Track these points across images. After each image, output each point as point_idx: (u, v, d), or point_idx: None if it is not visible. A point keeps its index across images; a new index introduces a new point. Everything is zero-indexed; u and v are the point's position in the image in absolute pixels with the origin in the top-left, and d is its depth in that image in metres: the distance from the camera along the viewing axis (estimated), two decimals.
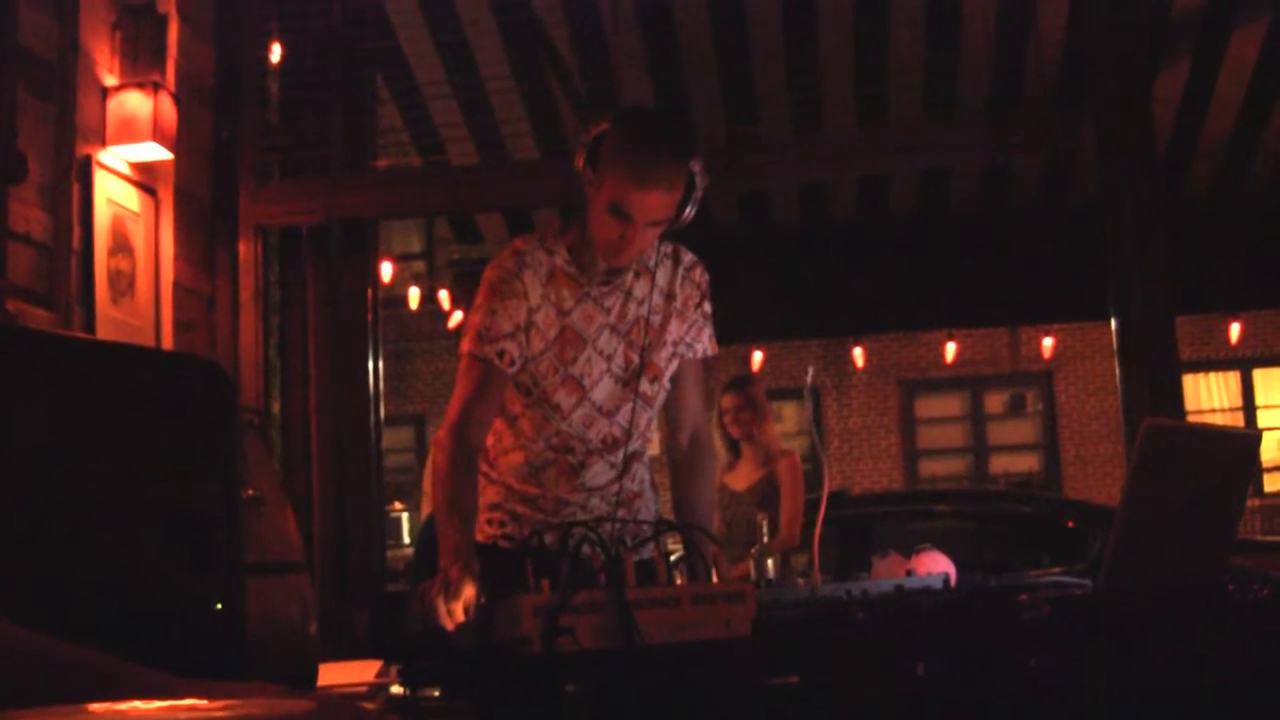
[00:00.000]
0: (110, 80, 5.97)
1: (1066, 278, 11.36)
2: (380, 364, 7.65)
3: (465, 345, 3.11)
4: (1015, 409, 17.42)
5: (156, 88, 5.99)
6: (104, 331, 5.70)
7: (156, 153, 6.06)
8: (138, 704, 1.30)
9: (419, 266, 16.66)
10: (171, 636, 2.20)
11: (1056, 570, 6.57)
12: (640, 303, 3.20)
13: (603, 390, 3.18)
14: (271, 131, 7.51)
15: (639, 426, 3.23)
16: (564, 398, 3.15)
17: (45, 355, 2.35)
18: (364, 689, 2.33)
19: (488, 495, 3.25)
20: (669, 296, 3.24)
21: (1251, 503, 12.96)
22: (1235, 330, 14.33)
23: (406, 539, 14.97)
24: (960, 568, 3.62)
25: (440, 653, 2.34)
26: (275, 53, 7.41)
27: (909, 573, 3.47)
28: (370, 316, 7.60)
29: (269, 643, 3.53)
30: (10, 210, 5.19)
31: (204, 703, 1.32)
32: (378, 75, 8.69)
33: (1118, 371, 7.08)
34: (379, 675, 2.78)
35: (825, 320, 13.39)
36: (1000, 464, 17.05)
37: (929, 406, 17.34)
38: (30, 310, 5.29)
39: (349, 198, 7.34)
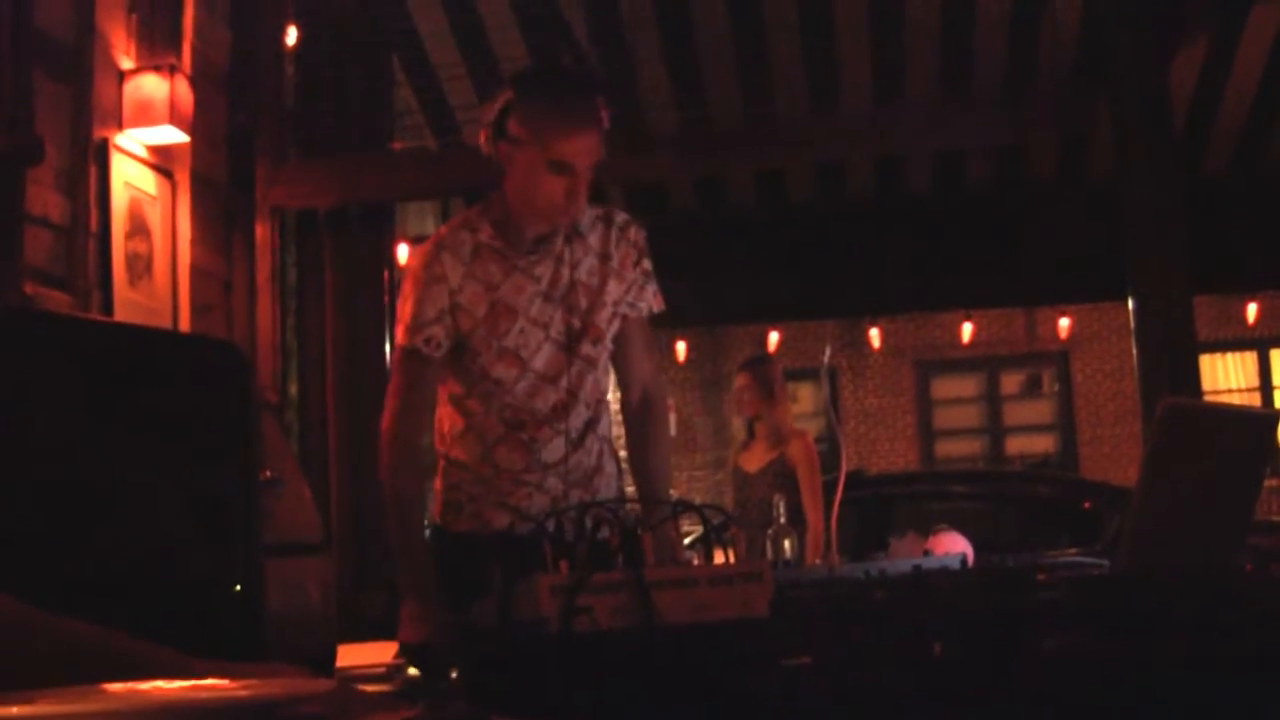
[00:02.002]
0: (126, 63, 5.98)
1: (1083, 258, 11.34)
2: None
3: (398, 337, 3.16)
4: (1032, 389, 17.39)
5: (173, 71, 6.00)
6: (122, 314, 5.72)
7: (173, 136, 6.07)
8: (159, 684, 1.31)
9: None
10: (191, 618, 2.20)
11: (1073, 551, 6.57)
12: (574, 266, 3.20)
13: (543, 358, 3.18)
14: (288, 114, 7.51)
15: (584, 388, 3.23)
16: (503, 371, 3.16)
17: (63, 337, 2.36)
18: (381, 670, 2.34)
19: (448, 478, 3.28)
20: (604, 257, 3.24)
21: (1269, 483, 12.93)
22: (1252, 310, 14.28)
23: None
24: (977, 548, 3.62)
25: (457, 634, 2.35)
26: (291, 35, 7.41)
27: (926, 553, 3.47)
28: (386, 298, 7.62)
29: (288, 624, 3.55)
30: (28, 193, 5.20)
31: (224, 683, 1.33)
32: (394, 57, 8.69)
33: (1135, 352, 7.08)
34: (397, 656, 2.80)
35: (841, 300, 13.39)
36: (1017, 445, 17.03)
37: (945, 387, 17.32)
38: (48, 293, 5.31)
39: (365, 180, 7.36)
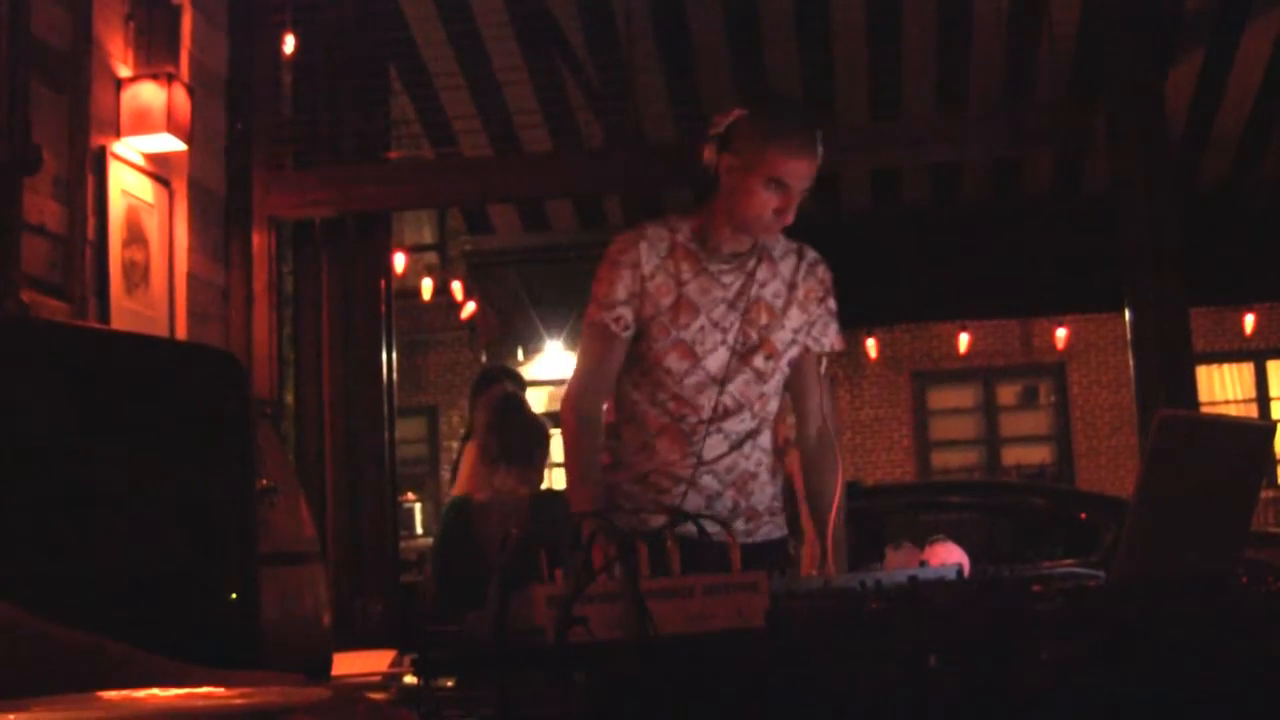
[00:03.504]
0: (124, 71, 5.98)
1: (1079, 269, 11.34)
2: (393, 355, 7.66)
3: (589, 314, 3.37)
4: (1028, 400, 17.41)
5: (170, 79, 6.00)
6: (118, 322, 5.71)
7: (170, 144, 6.06)
8: (154, 692, 1.31)
9: (431, 258, 16.68)
10: (186, 627, 2.20)
11: (1069, 562, 6.56)
12: (762, 285, 3.39)
13: (717, 360, 3.34)
14: (285, 123, 7.51)
15: (751, 399, 3.38)
16: (675, 362, 3.33)
17: (60, 346, 2.36)
18: (378, 679, 2.34)
19: (605, 478, 3.43)
20: (791, 286, 3.44)
21: (1265, 494, 12.93)
22: (1249, 321, 14.30)
23: (419, 529, 15.01)
24: (973, 559, 3.62)
25: (454, 643, 2.35)
26: (289, 44, 7.41)
27: (922, 564, 3.47)
28: (383, 308, 7.60)
29: (283, 633, 3.54)
30: (25, 201, 5.19)
31: (220, 691, 1.32)
32: (391, 67, 8.69)
33: (1131, 363, 7.07)
34: (393, 665, 2.80)
35: (837, 311, 13.38)
36: (1013, 455, 17.04)
37: (941, 398, 17.33)
38: (45, 301, 5.30)
39: (362, 189, 7.35)
